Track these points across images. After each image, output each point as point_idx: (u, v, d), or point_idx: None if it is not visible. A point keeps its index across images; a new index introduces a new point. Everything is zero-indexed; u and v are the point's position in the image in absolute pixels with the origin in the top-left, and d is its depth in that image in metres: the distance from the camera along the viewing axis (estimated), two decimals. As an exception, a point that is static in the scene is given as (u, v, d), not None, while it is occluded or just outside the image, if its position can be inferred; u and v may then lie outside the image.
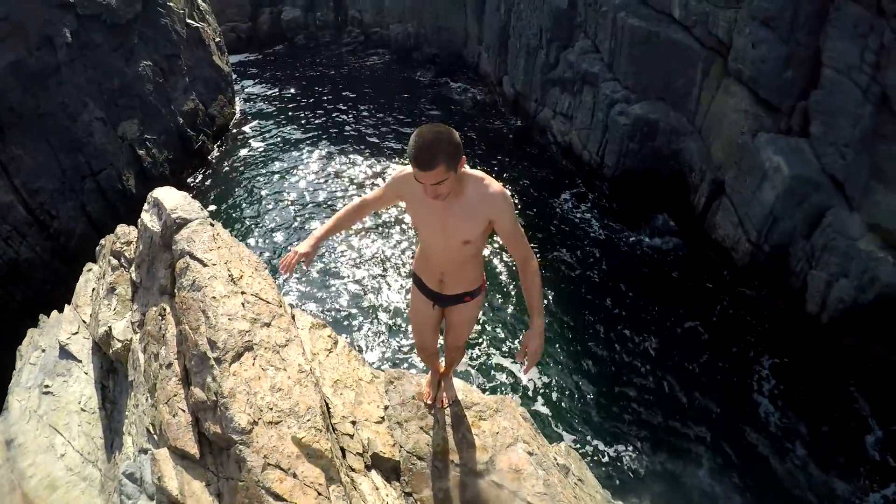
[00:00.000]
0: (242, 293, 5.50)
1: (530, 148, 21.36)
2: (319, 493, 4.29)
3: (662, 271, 16.63)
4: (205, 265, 5.78)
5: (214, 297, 5.45)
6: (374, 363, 13.64)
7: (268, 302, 5.47)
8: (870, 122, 13.51)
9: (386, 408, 5.62)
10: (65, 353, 7.94)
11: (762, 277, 15.78)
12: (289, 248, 16.70)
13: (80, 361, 7.93)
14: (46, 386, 7.68)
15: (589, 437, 12.71)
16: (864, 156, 13.74)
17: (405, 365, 13.78)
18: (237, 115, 22.17)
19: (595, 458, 12.38)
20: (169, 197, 6.91)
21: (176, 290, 6.00)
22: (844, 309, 14.02)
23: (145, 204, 7.25)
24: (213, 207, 18.03)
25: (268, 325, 5.27)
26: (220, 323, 5.23)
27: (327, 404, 5.29)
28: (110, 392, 7.56)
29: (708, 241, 17.20)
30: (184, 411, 5.39)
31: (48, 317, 9.01)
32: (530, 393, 13.37)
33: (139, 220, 7.25)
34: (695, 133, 17.80)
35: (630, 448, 12.60)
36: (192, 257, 5.92)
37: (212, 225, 6.41)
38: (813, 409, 13.32)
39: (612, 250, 17.32)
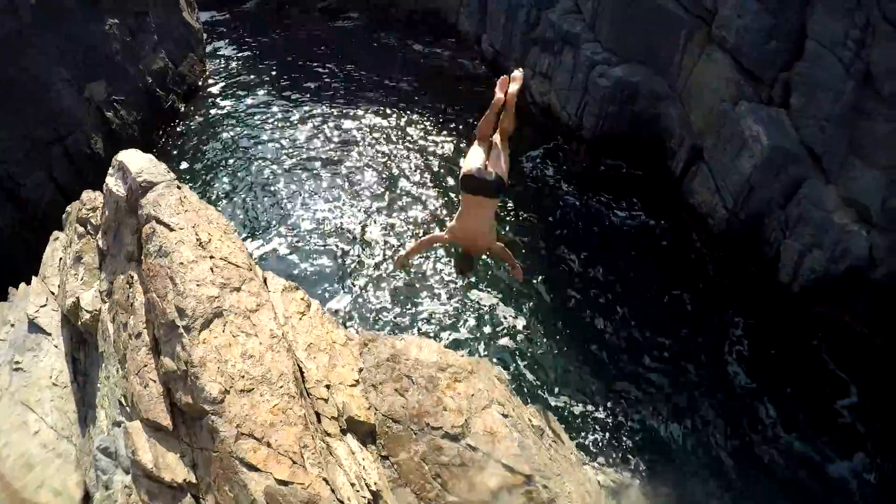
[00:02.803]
0: (211, 257, 5.34)
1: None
2: (294, 462, 4.22)
3: (637, 235, 16.64)
4: (171, 230, 5.60)
5: (182, 263, 5.28)
6: (348, 325, 13.59)
7: (237, 266, 5.32)
8: (851, 98, 13.37)
9: (360, 370, 5.54)
10: (34, 327, 7.70)
11: (737, 244, 15.74)
12: (260, 208, 16.59)
13: (50, 335, 7.71)
14: (17, 362, 7.46)
15: (564, 399, 12.77)
16: (842, 130, 13.67)
17: (378, 326, 13.69)
18: (207, 74, 21.57)
19: (570, 419, 12.45)
20: (134, 160, 6.67)
21: (143, 257, 5.82)
22: (816, 279, 14.18)
23: (110, 168, 7.01)
24: (184, 166, 17.60)
25: (238, 289, 5.13)
26: (188, 289, 5.08)
27: (301, 369, 5.18)
28: (81, 364, 7.38)
29: (685, 206, 17.11)
30: (154, 382, 5.26)
31: (17, 290, 8.77)
32: (507, 356, 13.43)
33: (104, 185, 7.00)
34: (675, 99, 17.57)
35: (604, 409, 12.67)
36: (159, 222, 5.73)
37: (179, 188, 6.21)
38: (783, 375, 13.44)
39: (587, 213, 17.25)
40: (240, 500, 4.22)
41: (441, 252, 15.38)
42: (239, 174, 17.62)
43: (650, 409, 12.78)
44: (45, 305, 7.94)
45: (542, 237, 16.41)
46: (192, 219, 5.73)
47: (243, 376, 4.58)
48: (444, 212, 16.70)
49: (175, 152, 18.24)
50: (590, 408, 12.69)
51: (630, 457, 11.85)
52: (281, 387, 4.55)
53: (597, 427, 12.39)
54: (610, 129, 18.59)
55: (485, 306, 14.40)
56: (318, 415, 5.02)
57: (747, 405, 12.95)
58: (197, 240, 5.51)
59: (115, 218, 6.79)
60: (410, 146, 18.97)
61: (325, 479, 4.21)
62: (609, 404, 12.79)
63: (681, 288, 15.22)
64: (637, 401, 12.91)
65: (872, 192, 13.42)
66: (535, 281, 15.07)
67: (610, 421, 12.52)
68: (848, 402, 12.98)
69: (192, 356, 4.73)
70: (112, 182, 6.85)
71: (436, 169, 18.21)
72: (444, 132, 19.68)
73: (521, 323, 14.08)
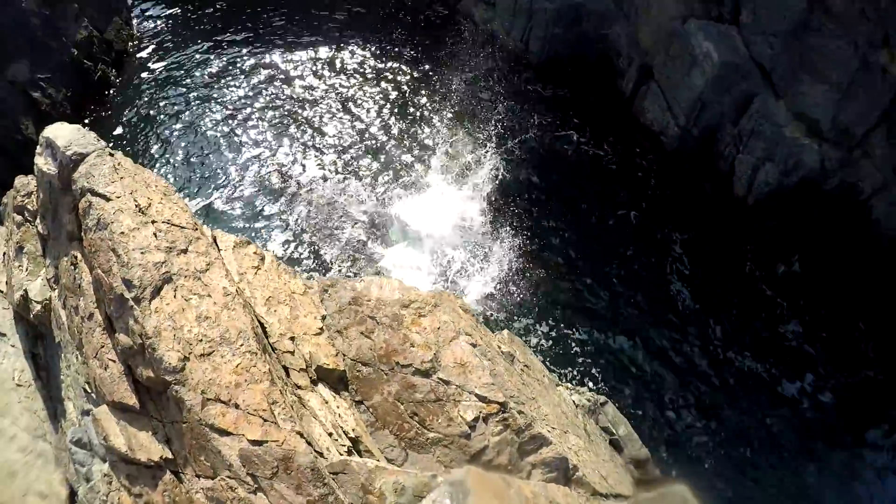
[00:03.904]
0: (153, 222, 5.10)
1: (453, 37, 20.49)
2: (265, 420, 4.12)
3: (587, 158, 16.55)
4: (108, 199, 5.32)
5: (123, 233, 5.04)
6: (304, 272, 13.50)
7: (182, 227, 5.09)
8: (800, 15, 13.47)
9: (324, 318, 5.41)
10: (-14, 331, 7.45)
11: (691, 161, 15.95)
12: (203, 165, 16.09)
13: (5, 335, 7.44)
14: (-22, 372, 7.24)
15: (529, 324, 13.03)
16: (792, 46, 13.80)
17: (335, 269, 13.63)
18: (136, 37, 20.54)
19: (537, 342, 12.79)
20: (61, 133, 6.28)
21: (83, 234, 5.55)
22: (770, 192, 14.61)
23: (38, 147, 6.62)
24: (123, 135, 16.94)
25: (185, 251, 4.92)
26: (132, 259, 4.86)
27: (262, 324, 5.04)
28: (42, 359, 7.15)
29: (637, 126, 17.09)
30: (114, 361, 5.09)
31: (-35, 296, 8.41)
32: (468, 286, 13.56)
33: (35, 166, 6.63)
34: (622, 18, 17.31)
35: (566, 329, 13.00)
36: (94, 193, 5.43)
37: (111, 154, 5.88)
38: (734, 295, 13.90)
39: (532, 138, 17.09)
40: (216, 467, 4.13)
41: (398, 190, 15.20)
42: (179, 135, 17.03)
43: (610, 325, 13.19)
44: (-7, 306, 7.65)
45: (496, 162, 16.21)
46: (128, 185, 5.44)
47: (201, 340, 4.43)
48: (388, 144, 16.43)
49: (111, 122, 17.50)
50: (554, 329, 12.95)
51: (596, 375, 12.28)
52: (241, 345, 4.41)
53: (560, 350, 12.71)
54: (556, 52, 18.29)
55: (435, 239, 14.36)
56: (286, 369, 4.91)
57: (698, 324, 13.43)
58: (136, 206, 5.26)
59: (50, 199, 6.46)
60: (352, 82, 18.34)
61: (299, 433, 4.13)
62: (570, 324, 13.14)
63: (632, 208, 15.37)
64: (596, 318, 13.37)
65: (822, 107, 13.68)
66: (487, 208, 15.01)
67: (572, 339, 12.86)
68: (793, 327, 13.49)
69: (145, 328, 4.55)
70: (42, 161, 6.48)
71: (381, 102, 17.72)
72: (389, 61, 19.03)
73: (473, 254, 14.13)
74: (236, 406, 4.15)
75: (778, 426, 12.13)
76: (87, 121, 17.24)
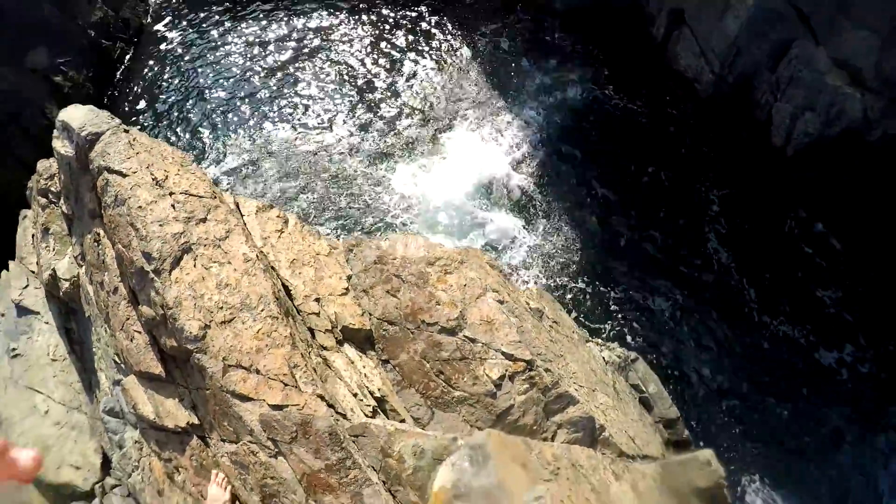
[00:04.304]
0: (171, 194, 5.09)
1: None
2: (286, 385, 4.11)
3: (623, 109, 16.15)
4: (124, 175, 5.33)
5: (140, 207, 5.05)
6: (329, 234, 13.43)
7: (200, 196, 5.07)
8: None
9: (349, 278, 5.36)
10: (21, 310, 7.71)
11: (726, 109, 15.28)
12: (226, 133, 16.05)
13: (38, 313, 7.70)
14: (13, 349, 7.52)
15: (561, 280, 12.86)
16: None
17: (359, 230, 13.57)
18: (152, 11, 20.56)
19: (568, 298, 12.61)
20: (75, 115, 6.33)
21: (103, 211, 5.58)
22: (809, 142, 13.94)
23: (55, 131, 6.70)
24: (144, 106, 17.07)
25: (203, 220, 4.90)
26: (151, 232, 4.86)
27: (287, 287, 5.01)
28: (75, 334, 7.38)
29: (669, 72, 16.43)
30: (140, 333, 5.15)
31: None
32: (498, 244, 13.43)
33: (54, 150, 6.72)
34: (649, -41, 16.83)
35: (599, 286, 12.77)
36: (110, 171, 5.45)
37: (126, 131, 5.89)
38: (772, 254, 13.36)
39: (570, 91, 16.67)
40: (238, 432, 4.15)
41: (424, 150, 15.07)
42: (201, 105, 17.04)
43: (642, 284, 12.88)
44: (27, 286, 7.90)
45: (516, 120, 15.89)
46: (144, 160, 5.44)
47: (221, 307, 4.42)
48: (411, 105, 16.19)
49: (134, 98, 17.61)
50: (585, 286, 12.77)
51: (627, 333, 12.05)
52: (262, 310, 4.39)
53: (591, 306, 12.52)
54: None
55: (464, 196, 14.17)
56: (311, 331, 4.89)
57: (733, 285, 12.96)
58: (153, 179, 5.25)
59: (71, 180, 6.54)
60: (371, 45, 18.02)
61: (320, 396, 4.11)
62: (603, 282, 12.89)
63: (667, 160, 14.90)
64: (630, 277, 13.01)
65: (864, 54, 12.96)
66: (517, 167, 14.78)
67: (605, 296, 12.64)
68: (832, 292, 12.92)
69: (166, 298, 4.57)
70: (59, 144, 6.58)
71: (402, 63, 17.42)
72: (409, 22, 18.67)
73: (502, 213, 13.92)
74: (257, 371, 4.14)
75: (812, 395, 11.74)
76: (109, 100, 17.38)
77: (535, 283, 12.46)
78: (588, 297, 12.68)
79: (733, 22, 14.26)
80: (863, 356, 12.13)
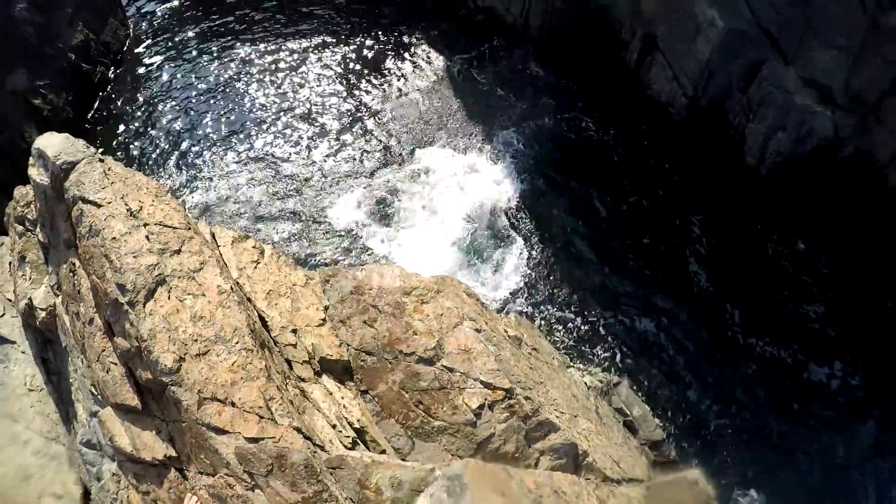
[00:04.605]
0: (145, 225, 5.05)
1: (451, 18, 20.13)
2: (261, 417, 4.06)
3: (598, 133, 16.30)
4: (99, 206, 5.28)
5: (114, 238, 5.00)
6: (305, 264, 13.34)
7: (174, 228, 5.04)
8: None
9: (326, 308, 5.33)
10: (-2, 339, 7.55)
11: (700, 132, 15.60)
12: (203, 161, 16.08)
13: (15, 342, 7.57)
14: (-10, 379, 7.35)
15: (539, 306, 12.90)
16: (798, 10, 13.42)
17: (336, 260, 13.51)
18: (133, 36, 20.52)
19: (547, 325, 12.59)
20: (51, 143, 6.27)
21: (77, 241, 5.53)
22: (782, 161, 14.27)
23: (30, 158, 6.64)
24: (124, 131, 16.96)
25: (178, 251, 4.87)
26: (125, 264, 4.81)
27: (263, 318, 4.97)
28: (52, 364, 7.24)
29: (643, 97, 16.71)
30: (116, 364, 5.08)
31: (-24, 307, 8.52)
32: (475, 272, 13.39)
33: (30, 178, 6.65)
34: (623, -12, 17.11)
35: (579, 311, 12.81)
36: (85, 201, 5.40)
37: (101, 161, 5.85)
38: (753, 273, 13.50)
39: (545, 118, 16.81)
40: (215, 465, 4.09)
41: (388, 177, 15.10)
42: (180, 131, 17.02)
43: (621, 308, 12.92)
44: (3, 315, 7.78)
45: (492, 146, 15.95)
46: (119, 190, 5.40)
47: (196, 340, 4.38)
48: (388, 131, 16.27)
49: (114, 122, 17.54)
50: (564, 312, 12.74)
51: (610, 358, 12.05)
52: (237, 343, 4.35)
53: (572, 332, 12.52)
54: (558, 26, 17.91)
55: (442, 223, 14.24)
56: (288, 362, 4.85)
57: (716, 306, 13.03)
58: (127, 210, 5.21)
59: (46, 208, 6.47)
60: (347, 69, 18.11)
61: (297, 428, 4.06)
62: (583, 307, 12.89)
63: (643, 184, 15.05)
64: (607, 301, 13.03)
65: (833, 73, 13.30)
66: (492, 193, 14.80)
67: (585, 322, 12.62)
68: (816, 307, 13.05)
69: (140, 331, 4.52)
70: (35, 172, 6.51)
71: (379, 88, 17.45)
72: (386, 47, 18.75)
73: (479, 240, 14.00)
74: (232, 404, 4.10)
75: (802, 411, 11.80)
76: (88, 123, 17.25)
77: (515, 309, 12.42)
78: (569, 322, 12.71)
79: (705, 45, 14.55)
80: (853, 370, 12.24)
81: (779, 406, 11.87)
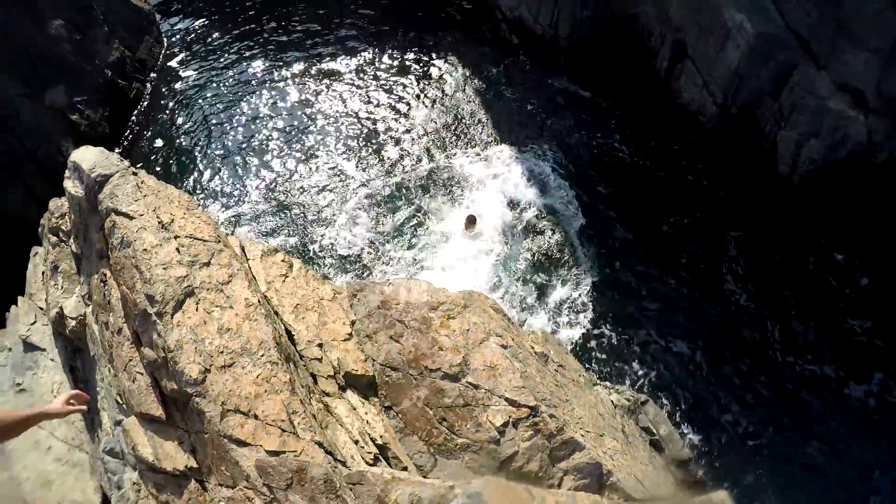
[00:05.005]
0: (176, 237, 5.12)
1: (480, 30, 20.21)
2: (283, 431, 4.06)
3: (629, 146, 16.18)
4: (131, 218, 5.37)
5: (146, 250, 5.07)
6: (334, 278, 13.32)
7: (204, 240, 5.10)
8: None
9: (353, 323, 5.33)
10: (28, 346, 7.72)
11: (731, 140, 15.30)
12: (236, 175, 16.23)
13: (45, 350, 7.71)
14: (18, 384, 7.52)
15: (567, 323, 12.69)
16: (828, 12, 13.13)
17: (366, 274, 13.51)
18: (168, 53, 21.00)
19: (572, 344, 12.40)
20: (86, 157, 6.43)
21: (109, 252, 5.62)
22: (815, 169, 13.90)
23: (66, 171, 6.80)
24: (160, 146, 17.27)
25: (207, 264, 4.92)
26: (154, 275, 4.88)
27: (290, 332, 4.99)
28: (80, 372, 7.36)
29: (674, 105, 16.46)
30: (142, 374, 5.13)
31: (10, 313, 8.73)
32: (500, 287, 13.27)
33: (65, 190, 6.81)
34: (650, -5, 17.03)
35: (606, 328, 12.59)
36: (118, 213, 5.50)
37: (134, 174, 5.96)
38: (792, 288, 13.09)
39: (575, 130, 16.74)
40: (235, 477, 4.10)
41: (418, 190, 15.16)
42: (215, 145, 17.26)
43: (651, 325, 12.65)
44: (34, 323, 7.93)
45: (522, 160, 15.88)
46: (151, 202, 5.49)
47: (222, 352, 4.40)
48: (424, 159, 16.27)
49: (149, 137, 17.91)
50: (593, 329, 12.56)
51: (639, 376, 11.78)
52: (262, 356, 4.37)
53: (602, 349, 12.30)
54: (586, 35, 17.82)
55: (472, 240, 14.07)
56: (313, 376, 4.85)
57: (753, 323, 12.68)
58: (159, 222, 5.29)
59: (80, 220, 6.62)
60: (379, 84, 18.22)
61: (318, 443, 4.05)
62: (609, 323, 12.68)
63: (675, 198, 14.79)
64: (636, 318, 12.77)
65: (866, 76, 12.98)
66: (523, 208, 14.73)
67: (612, 338, 12.43)
68: (861, 322, 12.56)
69: (167, 341, 4.56)
70: (70, 185, 6.66)
71: (411, 105, 17.52)
72: (417, 63, 18.85)
73: (509, 256, 13.83)
74: (255, 417, 4.11)
75: (840, 430, 11.34)
76: (124, 139, 17.62)
77: (541, 325, 12.30)
78: (598, 340, 12.49)
79: (734, 51, 14.29)
80: (892, 383, 11.80)
81: (817, 426, 11.45)
